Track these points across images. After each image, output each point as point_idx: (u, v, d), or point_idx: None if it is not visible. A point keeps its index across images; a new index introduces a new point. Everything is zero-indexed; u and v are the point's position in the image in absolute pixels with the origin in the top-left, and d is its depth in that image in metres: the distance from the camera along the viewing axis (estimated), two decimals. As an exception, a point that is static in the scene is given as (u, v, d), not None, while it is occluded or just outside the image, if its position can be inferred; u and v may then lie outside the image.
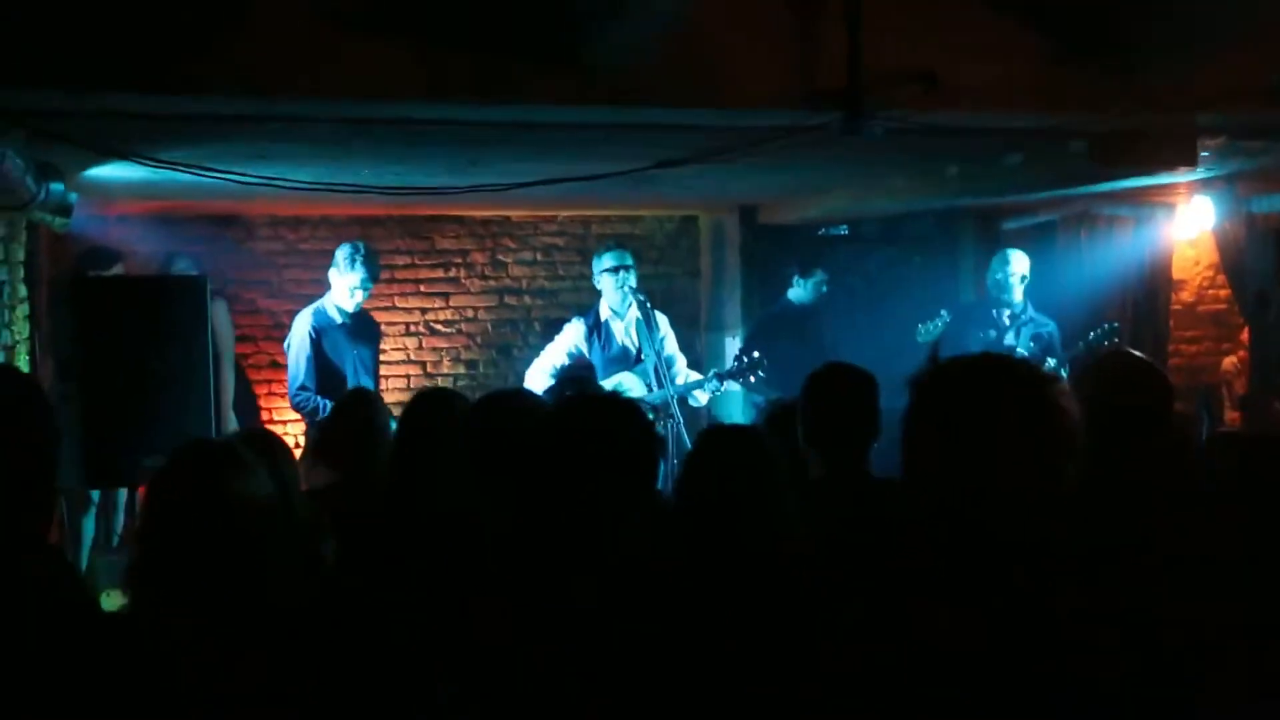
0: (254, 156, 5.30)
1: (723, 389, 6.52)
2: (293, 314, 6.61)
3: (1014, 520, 1.73)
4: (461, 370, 8.91)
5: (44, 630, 2.08)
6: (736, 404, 8.17)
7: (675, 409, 6.19)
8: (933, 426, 1.85)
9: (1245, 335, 8.22)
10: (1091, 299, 8.05)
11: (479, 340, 8.97)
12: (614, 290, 6.52)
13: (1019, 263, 6.94)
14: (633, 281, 6.53)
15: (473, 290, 8.95)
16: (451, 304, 8.92)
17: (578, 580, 2.21)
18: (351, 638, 2.30)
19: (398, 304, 8.76)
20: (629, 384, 6.36)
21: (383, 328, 8.56)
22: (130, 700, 2.07)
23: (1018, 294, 6.87)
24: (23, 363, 6.33)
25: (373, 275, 6.41)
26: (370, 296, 6.60)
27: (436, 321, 8.89)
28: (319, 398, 6.20)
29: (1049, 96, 4.57)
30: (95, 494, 6.80)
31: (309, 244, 8.46)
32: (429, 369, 8.88)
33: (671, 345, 6.69)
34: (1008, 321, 6.79)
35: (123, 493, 7.04)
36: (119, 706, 2.07)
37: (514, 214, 8.84)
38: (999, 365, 1.90)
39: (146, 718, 2.06)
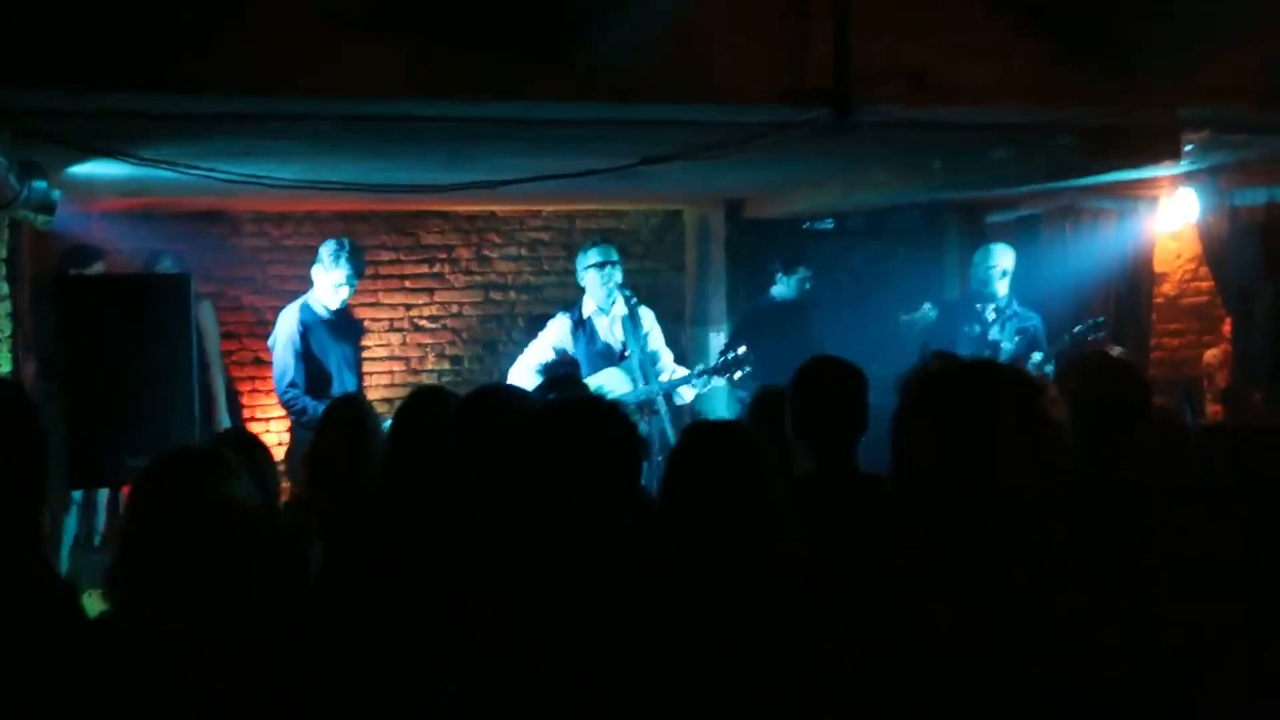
0: (240, 153, 5.27)
1: (709, 385, 6.51)
2: (277, 310, 6.58)
3: (1013, 519, 1.74)
4: (446, 366, 8.89)
5: (36, 636, 2.07)
6: (721, 400, 8.17)
7: (661, 405, 6.18)
8: (929, 424, 1.85)
9: (1227, 328, 8.26)
10: (1075, 292, 8.08)
11: (464, 336, 8.95)
12: (599, 286, 6.51)
13: (1002, 257, 6.95)
14: (618, 277, 6.52)
15: (457, 286, 8.92)
16: (436, 299, 8.89)
17: (572, 581, 2.21)
18: (348, 638, 2.29)
19: (382, 299, 8.73)
20: (614, 380, 6.35)
21: (366, 323, 8.58)
22: (122, 706, 2.05)
23: (1002, 289, 6.88)
24: (4, 361, 6.29)
25: (358, 272, 6.39)
26: (355, 292, 6.58)
27: (421, 317, 8.86)
28: (306, 396, 6.18)
29: (1041, 93, 4.59)
30: (77, 494, 6.76)
31: (293, 240, 8.43)
32: (413, 365, 8.86)
33: (657, 340, 6.68)
34: (992, 316, 6.80)
35: (103, 492, 7.01)
36: (111, 712, 2.05)
37: (499, 209, 8.82)
38: (992, 368, 1.90)
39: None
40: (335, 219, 8.47)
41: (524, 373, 6.51)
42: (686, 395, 6.61)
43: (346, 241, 6.38)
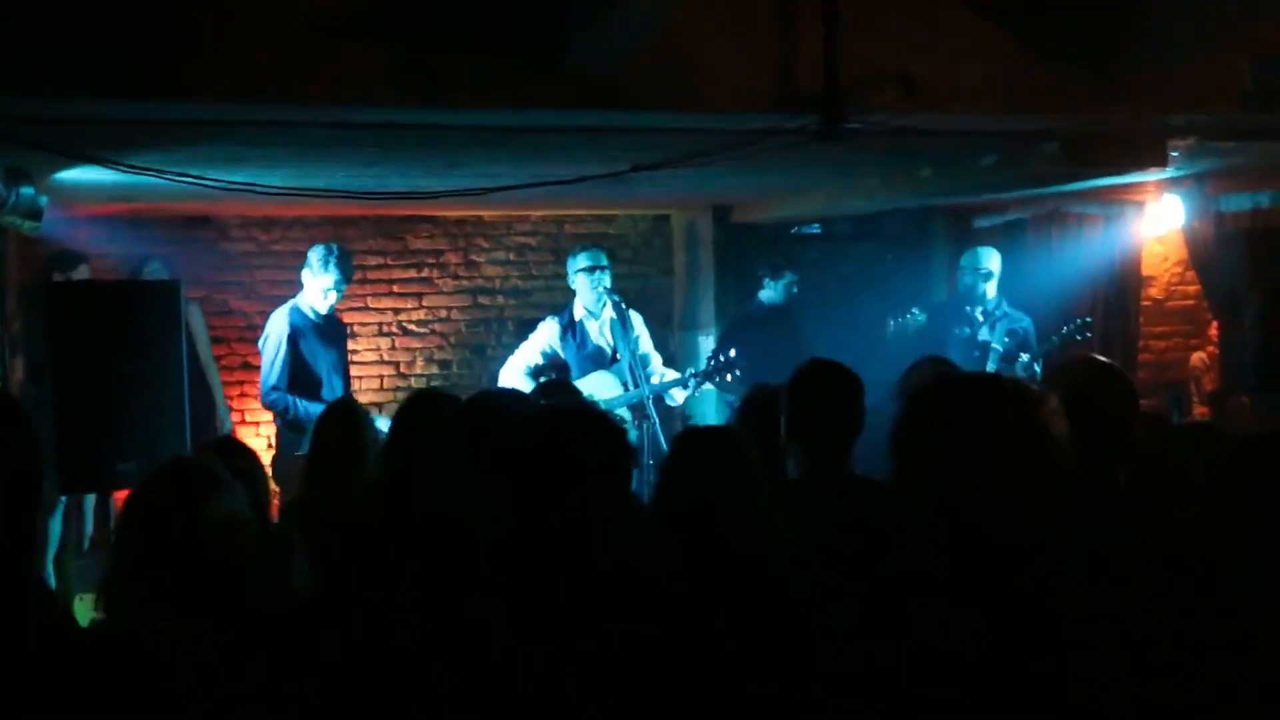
0: (228, 160, 5.26)
1: (699, 388, 6.53)
2: (266, 315, 6.58)
3: (1013, 520, 1.74)
4: (435, 371, 8.88)
5: (33, 641, 2.06)
6: (710, 403, 8.19)
7: (651, 408, 6.19)
8: (930, 427, 1.86)
9: (1213, 331, 8.31)
10: (1062, 296, 8.11)
11: (452, 340, 8.95)
12: (589, 290, 6.52)
13: (988, 260, 6.97)
14: (607, 282, 6.53)
15: (446, 290, 8.92)
16: (425, 304, 8.89)
17: (571, 581, 2.21)
18: (348, 639, 2.29)
19: (371, 304, 8.73)
20: (605, 383, 6.37)
21: (355, 328, 8.59)
22: (118, 711, 2.05)
23: (990, 291, 6.91)
24: (-8, 366, 6.27)
25: (346, 277, 6.39)
26: (343, 297, 6.58)
27: (410, 322, 8.86)
28: (290, 396, 6.18)
29: (1030, 100, 4.61)
30: (62, 497, 6.74)
31: (282, 245, 8.42)
32: (402, 369, 8.85)
33: (646, 344, 6.69)
34: (981, 318, 6.82)
35: (90, 497, 6.98)
36: (107, 716, 2.05)
37: (487, 214, 8.83)
38: (993, 377, 1.92)
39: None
40: (323, 224, 8.46)
41: (514, 375, 6.52)
42: (677, 398, 6.63)
43: (335, 247, 6.39)
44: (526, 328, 7.29)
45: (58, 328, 5.13)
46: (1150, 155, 5.49)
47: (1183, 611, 1.76)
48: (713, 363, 6.44)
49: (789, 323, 7.86)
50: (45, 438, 4.86)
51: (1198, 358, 8.78)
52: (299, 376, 6.27)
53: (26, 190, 5.15)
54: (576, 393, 4.63)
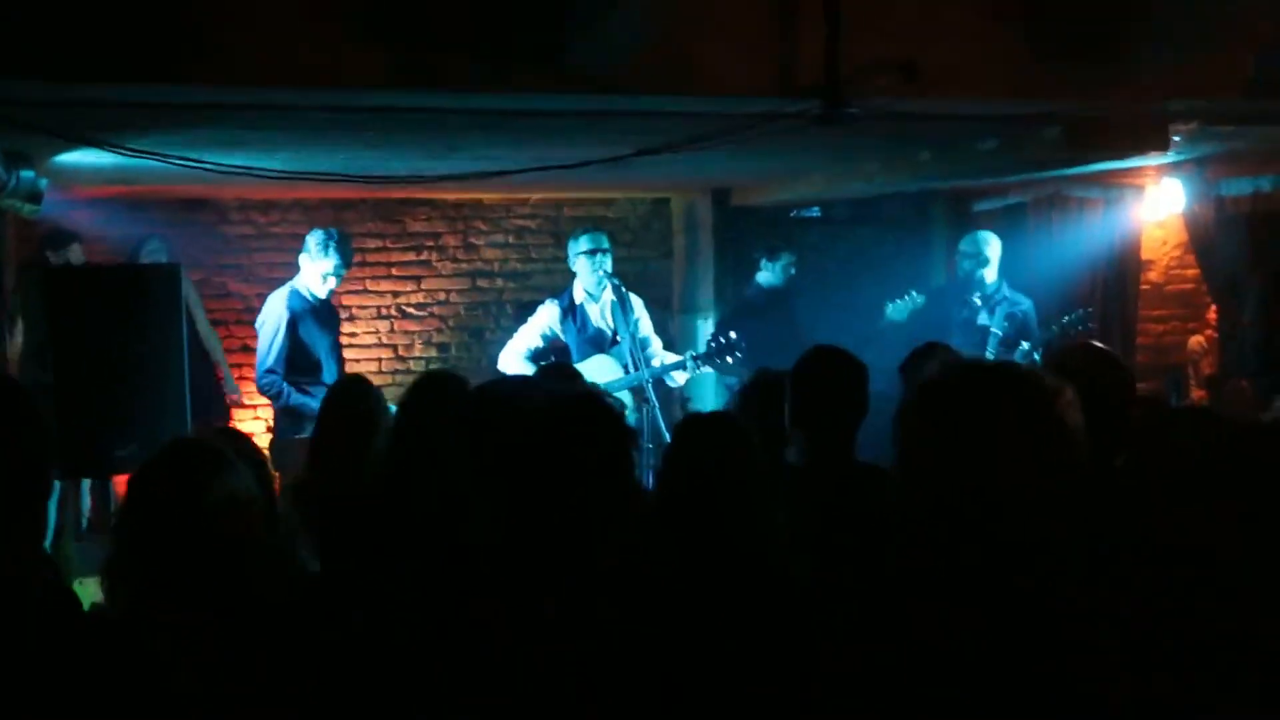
0: (228, 143, 5.25)
1: (700, 371, 6.54)
2: (264, 298, 6.56)
3: (1013, 519, 1.74)
4: (434, 354, 8.89)
5: (37, 631, 2.06)
6: (709, 386, 8.19)
7: (650, 392, 6.20)
8: (930, 423, 1.85)
9: (1212, 315, 8.32)
10: (1062, 280, 8.10)
11: (451, 323, 8.94)
12: (589, 273, 6.51)
13: (987, 244, 6.96)
14: (608, 265, 6.52)
15: (444, 273, 8.91)
16: (423, 287, 8.88)
17: (572, 581, 2.21)
18: (348, 637, 2.29)
19: (369, 287, 8.72)
20: (605, 366, 6.37)
21: (354, 311, 8.59)
22: (120, 703, 2.05)
23: (989, 274, 6.89)
24: (-8, 349, 6.27)
25: (346, 262, 6.38)
26: (342, 281, 6.56)
27: (408, 305, 8.85)
28: (284, 382, 6.17)
29: (1031, 85, 4.60)
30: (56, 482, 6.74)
31: (280, 227, 8.41)
32: (400, 352, 8.86)
33: (646, 327, 6.69)
34: (980, 302, 6.82)
35: (86, 479, 6.99)
36: (109, 709, 2.05)
37: (486, 197, 8.81)
38: (1000, 368, 1.91)
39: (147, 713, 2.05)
40: (322, 206, 8.45)
41: (514, 359, 6.52)
42: (678, 380, 6.64)
43: (335, 232, 6.37)
44: (525, 310, 7.28)
45: (57, 311, 5.12)
46: (1151, 140, 5.48)
47: (1183, 609, 1.76)
48: (713, 345, 6.44)
49: (787, 307, 7.86)
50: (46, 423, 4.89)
51: (1196, 341, 8.79)
52: (297, 359, 6.26)
53: (27, 173, 5.14)
54: (576, 376, 4.62)
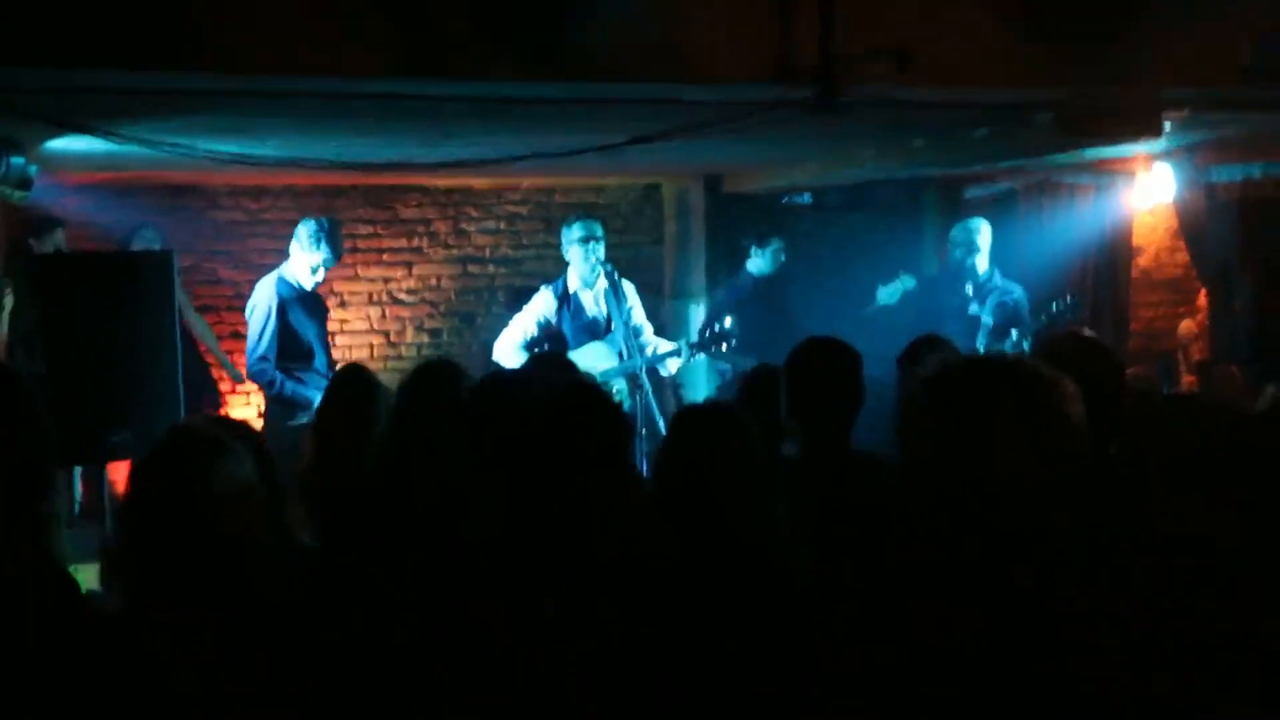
0: (221, 130, 5.24)
1: (694, 358, 6.55)
2: (255, 284, 6.53)
3: (1014, 511, 1.74)
4: (425, 339, 8.87)
5: (37, 628, 2.05)
6: (702, 373, 8.20)
7: (644, 379, 6.20)
8: (930, 417, 1.85)
9: (1202, 300, 8.34)
10: (1053, 266, 8.12)
11: (442, 309, 8.93)
12: (583, 261, 6.50)
13: (978, 232, 6.96)
14: (601, 252, 6.51)
15: (436, 259, 8.89)
16: (415, 273, 8.87)
17: (571, 579, 2.20)
18: (349, 636, 2.28)
19: (361, 273, 8.70)
20: (599, 354, 6.37)
21: (346, 297, 8.58)
22: (123, 700, 2.04)
23: (980, 262, 6.89)
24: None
25: (336, 253, 6.37)
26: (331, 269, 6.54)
27: (400, 290, 8.84)
28: (276, 371, 6.16)
29: (1025, 73, 4.60)
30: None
31: (272, 214, 8.37)
32: (392, 338, 8.84)
33: (639, 314, 6.69)
34: (971, 292, 6.82)
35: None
36: (110, 706, 2.04)
37: (477, 183, 8.79)
38: (999, 362, 1.91)
39: (147, 712, 2.04)
40: (313, 193, 8.41)
41: (509, 347, 6.51)
42: (671, 367, 6.64)
43: (325, 222, 6.33)
44: (517, 296, 7.27)
45: (48, 299, 5.11)
46: (1144, 126, 5.49)
47: (1182, 606, 1.75)
48: (707, 333, 6.45)
49: (779, 293, 7.87)
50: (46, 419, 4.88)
51: (1186, 327, 8.81)
52: (289, 347, 6.24)
53: (17, 160, 5.12)
54: (569, 365, 4.62)
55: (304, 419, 5.98)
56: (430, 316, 8.90)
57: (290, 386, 6.12)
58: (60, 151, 5.74)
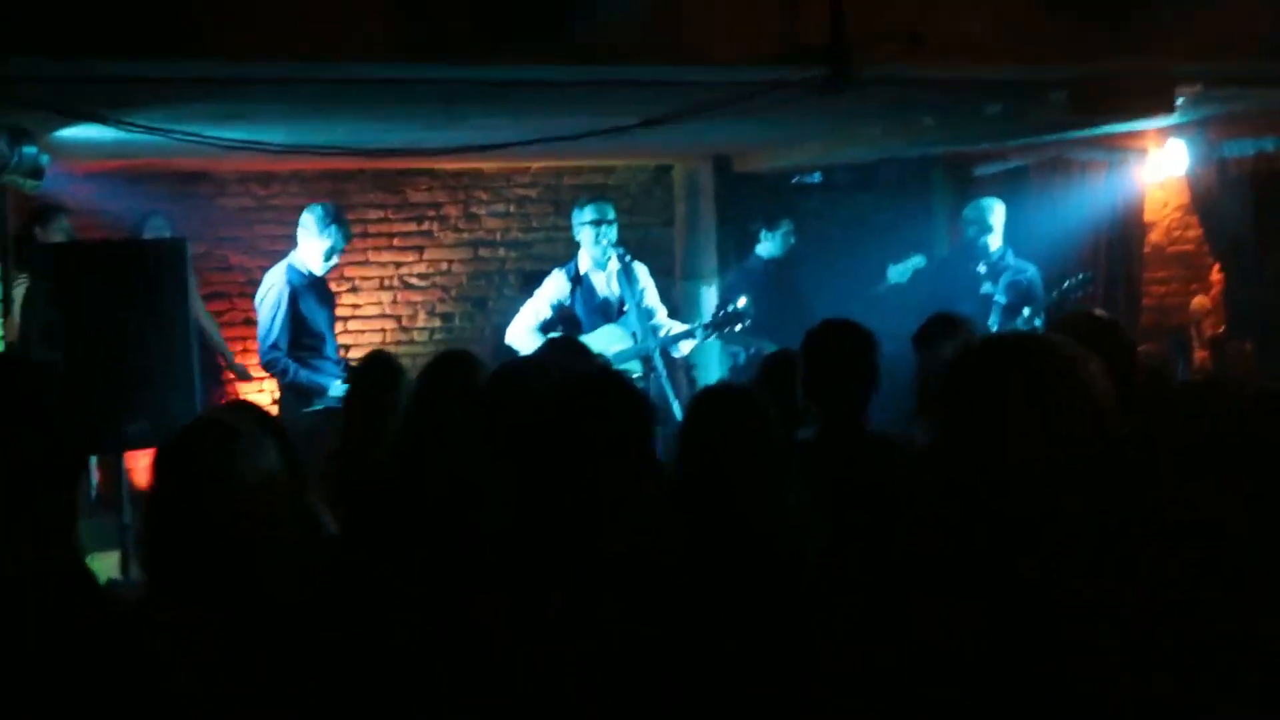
0: (230, 117, 5.23)
1: (708, 338, 6.56)
2: (265, 270, 6.53)
3: (1022, 498, 1.73)
4: (437, 324, 8.88)
5: (57, 624, 2.05)
6: (714, 355, 8.20)
7: (658, 361, 6.21)
8: (942, 401, 1.85)
9: (1214, 275, 8.31)
10: (1065, 243, 8.09)
11: (453, 293, 8.93)
12: (594, 244, 6.50)
13: (991, 211, 6.95)
14: (613, 235, 6.51)
15: (446, 243, 8.89)
16: (425, 257, 8.87)
17: (577, 574, 2.19)
18: (351, 635, 2.26)
19: (371, 259, 8.70)
20: (612, 336, 6.37)
21: (357, 282, 8.59)
22: (123, 700, 2.03)
23: (993, 241, 6.88)
24: (-3, 326, 6.26)
25: (346, 237, 6.37)
26: (344, 252, 6.53)
27: (411, 275, 8.83)
28: (288, 359, 6.16)
29: (1037, 49, 4.58)
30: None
31: (280, 200, 8.37)
32: (404, 323, 8.85)
33: (652, 296, 6.69)
34: (984, 271, 6.81)
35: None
36: (110, 705, 2.03)
37: (486, 166, 8.77)
38: (1015, 342, 1.90)
39: (148, 712, 2.03)
40: (322, 178, 8.40)
41: (523, 331, 6.52)
42: (685, 349, 6.65)
43: (331, 207, 6.33)
44: (528, 280, 7.25)
45: (62, 288, 5.11)
46: (1157, 102, 5.47)
47: (1186, 602, 1.73)
48: (722, 313, 6.46)
49: (789, 275, 7.87)
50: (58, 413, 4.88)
51: (1198, 302, 8.78)
52: (300, 334, 6.24)
53: (29, 149, 5.12)
54: (584, 349, 4.61)
55: (318, 405, 6.02)
56: (441, 301, 8.90)
57: (304, 374, 6.13)
58: (70, 140, 5.74)
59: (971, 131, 6.56)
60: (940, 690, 1.68)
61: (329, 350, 6.39)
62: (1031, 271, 6.81)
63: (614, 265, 6.51)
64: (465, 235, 8.91)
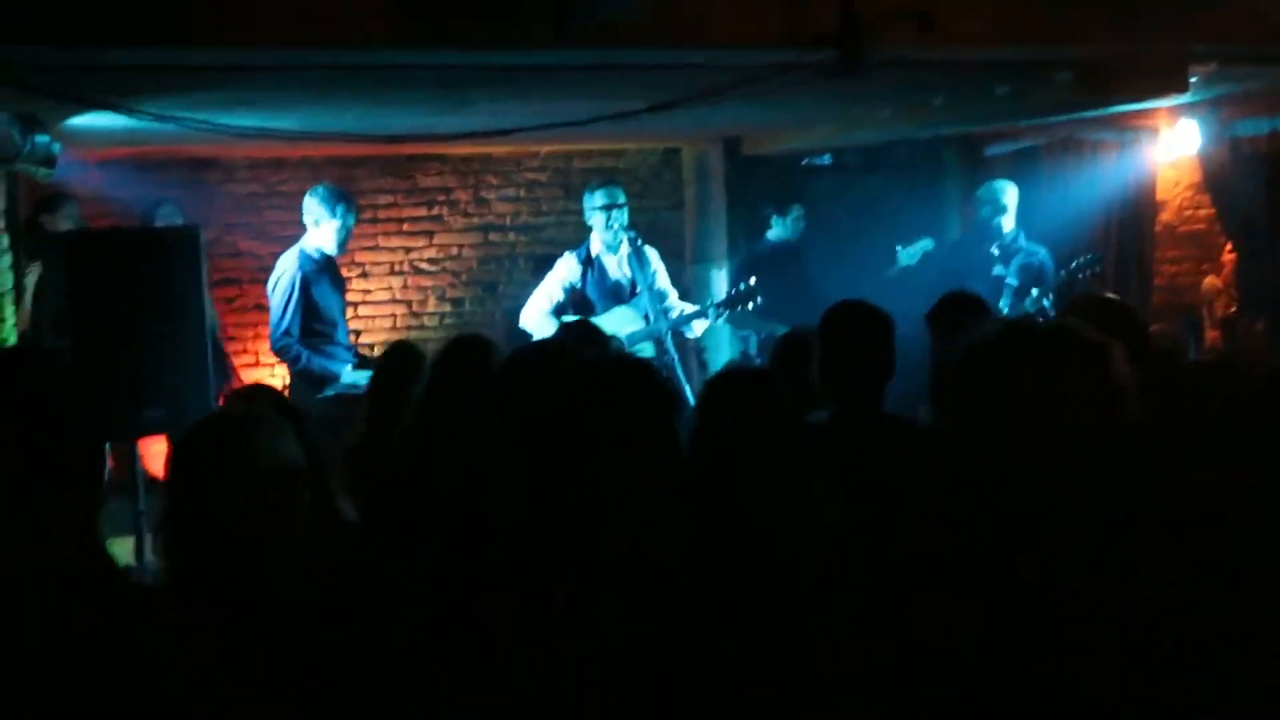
0: (240, 104, 5.23)
1: (720, 319, 6.57)
2: (276, 256, 6.53)
3: (1026, 491, 1.72)
4: (448, 309, 8.89)
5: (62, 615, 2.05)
6: (725, 337, 8.20)
7: (669, 343, 6.24)
8: (953, 392, 1.84)
9: (1226, 255, 8.27)
10: (1076, 223, 8.07)
11: (464, 278, 8.94)
12: (605, 228, 6.51)
13: (1004, 193, 6.93)
14: (624, 219, 6.52)
15: (456, 228, 8.89)
16: (435, 242, 8.87)
17: (579, 573, 2.17)
18: (353, 635, 2.26)
19: (381, 244, 8.71)
20: (624, 318, 6.38)
21: (368, 267, 8.59)
22: (122, 700, 2.03)
23: (1006, 223, 6.87)
24: (9, 314, 6.28)
25: (354, 213, 6.35)
26: (353, 237, 6.53)
27: (421, 260, 8.84)
28: (300, 346, 6.16)
29: (1049, 29, 4.56)
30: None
31: (289, 185, 8.36)
32: (414, 308, 8.86)
33: (663, 279, 6.70)
34: (996, 253, 6.79)
35: (107, 439, 6.98)
36: (110, 705, 2.03)
37: (496, 150, 8.76)
38: (1026, 331, 1.89)
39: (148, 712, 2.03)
40: (331, 164, 8.40)
41: (536, 314, 6.53)
42: (697, 329, 6.66)
43: (333, 187, 6.33)
44: (538, 264, 7.25)
45: (77, 276, 5.11)
46: (1170, 82, 5.44)
47: (1187, 600, 1.72)
48: (733, 292, 6.47)
49: (800, 259, 7.87)
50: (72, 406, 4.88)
51: (1210, 282, 8.74)
52: (312, 321, 6.23)
53: (41, 138, 5.13)
54: (598, 332, 4.62)
55: (329, 392, 6.02)
56: (452, 285, 8.91)
57: (316, 360, 6.13)
58: (82, 128, 5.74)
59: (982, 112, 6.53)
60: (940, 690, 1.68)
61: (340, 336, 6.40)
62: (1043, 254, 6.80)
63: (625, 248, 6.52)
64: (475, 220, 8.91)
